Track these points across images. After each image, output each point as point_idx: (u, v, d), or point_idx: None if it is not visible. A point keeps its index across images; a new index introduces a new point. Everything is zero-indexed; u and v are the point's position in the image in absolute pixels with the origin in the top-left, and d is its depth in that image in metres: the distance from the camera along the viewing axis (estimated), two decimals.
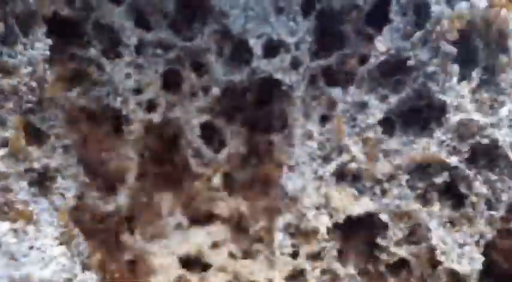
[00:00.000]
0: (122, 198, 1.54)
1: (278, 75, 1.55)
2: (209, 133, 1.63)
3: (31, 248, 1.12)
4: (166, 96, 1.58)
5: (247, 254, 1.59)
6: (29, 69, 1.21)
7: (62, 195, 1.34)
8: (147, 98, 1.55)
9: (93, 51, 1.49)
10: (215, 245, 1.59)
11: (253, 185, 1.65)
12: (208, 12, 1.54)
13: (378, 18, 1.47)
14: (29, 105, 1.21)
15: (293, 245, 1.48)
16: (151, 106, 1.56)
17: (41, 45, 1.24)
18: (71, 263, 1.16)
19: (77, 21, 1.46)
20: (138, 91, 1.54)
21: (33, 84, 1.21)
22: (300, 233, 1.47)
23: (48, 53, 1.25)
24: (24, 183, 1.19)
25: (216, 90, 1.59)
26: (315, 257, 1.45)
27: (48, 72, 1.27)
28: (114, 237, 1.54)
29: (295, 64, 1.55)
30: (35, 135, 1.27)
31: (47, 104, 1.27)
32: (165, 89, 1.58)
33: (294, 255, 1.48)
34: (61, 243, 1.18)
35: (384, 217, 1.40)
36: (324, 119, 1.56)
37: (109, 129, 1.56)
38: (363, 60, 1.51)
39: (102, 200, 1.52)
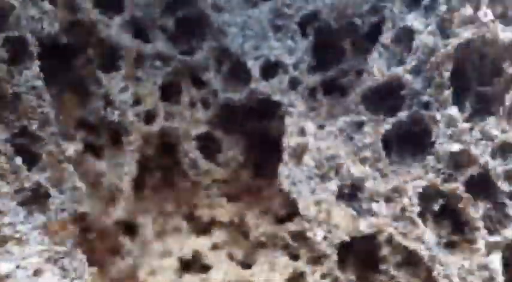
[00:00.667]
0: (121, 208, 1.54)
1: (277, 97, 1.54)
2: (207, 142, 1.62)
3: (17, 267, 1.13)
4: (165, 107, 1.58)
5: (247, 256, 1.59)
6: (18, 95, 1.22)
7: (62, 210, 1.33)
8: (146, 109, 1.55)
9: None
10: (215, 247, 1.60)
11: (253, 190, 1.64)
12: (206, 27, 1.54)
13: (376, 38, 1.46)
14: (16, 130, 1.21)
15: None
16: (149, 117, 1.56)
17: (30, 72, 1.24)
18: (62, 280, 1.17)
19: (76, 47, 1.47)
20: (136, 102, 1.53)
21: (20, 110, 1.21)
22: (301, 237, 1.47)
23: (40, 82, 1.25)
24: (13, 204, 1.18)
25: (214, 105, 1.59)
26: (315, 260, 1.45)
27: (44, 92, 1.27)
28: (115, 245, 1.55)
29: (293, 84, 1.54)
30: (26, 156, 1.27)
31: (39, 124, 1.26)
32: (164, 100, 1.57)
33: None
34: (51, 261, 1.18)
35: (381, 238, 1.39)
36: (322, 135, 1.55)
37: (108, 140, 1.56)
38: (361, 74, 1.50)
39: (101, 212, 1.52)
